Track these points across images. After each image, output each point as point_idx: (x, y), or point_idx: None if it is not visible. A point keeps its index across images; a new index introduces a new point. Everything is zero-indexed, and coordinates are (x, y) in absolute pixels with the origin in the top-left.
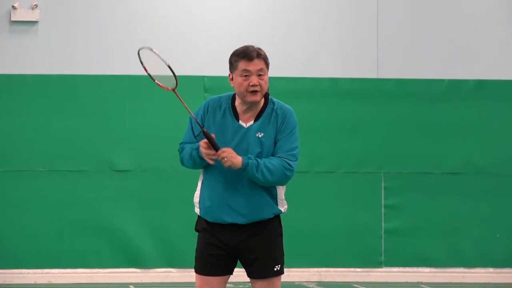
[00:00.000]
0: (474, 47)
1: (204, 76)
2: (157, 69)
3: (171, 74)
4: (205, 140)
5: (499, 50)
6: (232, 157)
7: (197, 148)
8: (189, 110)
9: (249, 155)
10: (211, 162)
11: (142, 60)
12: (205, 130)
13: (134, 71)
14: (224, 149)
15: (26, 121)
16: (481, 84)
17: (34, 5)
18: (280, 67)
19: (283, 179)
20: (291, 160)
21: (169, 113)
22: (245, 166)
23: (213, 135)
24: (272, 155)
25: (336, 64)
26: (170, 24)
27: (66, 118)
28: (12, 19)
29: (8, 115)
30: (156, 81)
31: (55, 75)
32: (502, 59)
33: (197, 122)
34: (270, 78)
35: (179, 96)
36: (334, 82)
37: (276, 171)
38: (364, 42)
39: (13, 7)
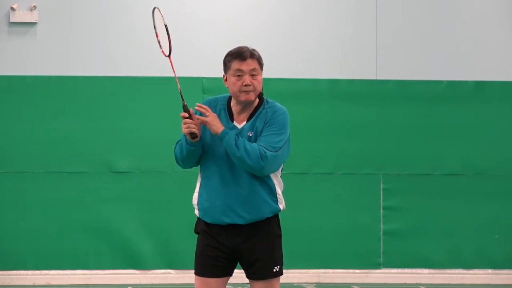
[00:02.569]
0: (473, 48)
1: (203, 78)
2: (162, 34)
3: (167, 37)
4: (186, 114)
5: (498, 51)
6: (213, 123)
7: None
8: (178, 82)
9: (235, 130)
10: (189, 130)
11: (155, 23)
12: (185, 103)
13: (134, 73)
14: (211, 115)
15: (25, 122)
16: (480, 85)
17: (33, 6)
18: (279, 68)
19: (257, 167)
20: (268, 150)
21: (168, 114)
22: (223, 135)
23: (191, 110)
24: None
25: (335, 66)
26: (169, 26)
27: (65, 120)
28: (11, 21)
29: (7, 116)
30: (161, 48)
31: (54, 76)
32: (501, 60)
33: (181, 96)
34: (270, 79)
35: (172, 64)
36: (333, 83)
37: (253, 154)
38: (363, 44)
39: (12, 8)
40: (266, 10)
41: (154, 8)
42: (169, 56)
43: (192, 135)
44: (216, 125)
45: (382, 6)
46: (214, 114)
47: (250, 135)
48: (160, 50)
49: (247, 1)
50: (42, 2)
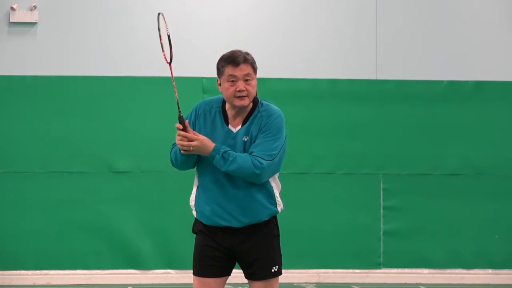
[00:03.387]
0: (473, 48)
1: (203, 78)
2: (165, 39)
3: (169, 45)
4: (180, 125)
5: (498, 51)
6: (199, 151)
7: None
8: (176, 92)
9: (222, 148)
10: (182, 149)
11: (159, 27)
12: (181, 115)
13: (134, 73)
14: (197, 140)
15: (25, 122)
16: (480, 85)
17: (33, 6)
18: (279, 68)
19: (253, 177)
20: (264, 159)
21: (168, 114)
22: (211, 158)
23: (186, 122)
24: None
25: (335, 65)
26: (169, 26)
27: (65, 120)
28: (11, 21)
29: (7, 116)
30: (163, 53)
31: (54, 76)
32: (501, 60)
33: (178, 106)
34: (270, 79)
35: (172, 72)
36: (333, 83)
37: (243, 167)
38: (363, 43)
39: (12, 8)
40: (266, 10)
41: (159, 13)
42: (170, 63)
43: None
44: (203, 151)
45: (382, 6)
46: (200, 138)
47: (245, 139)
48: (162, 54)
49: (247, 1)
50: (42, 2)
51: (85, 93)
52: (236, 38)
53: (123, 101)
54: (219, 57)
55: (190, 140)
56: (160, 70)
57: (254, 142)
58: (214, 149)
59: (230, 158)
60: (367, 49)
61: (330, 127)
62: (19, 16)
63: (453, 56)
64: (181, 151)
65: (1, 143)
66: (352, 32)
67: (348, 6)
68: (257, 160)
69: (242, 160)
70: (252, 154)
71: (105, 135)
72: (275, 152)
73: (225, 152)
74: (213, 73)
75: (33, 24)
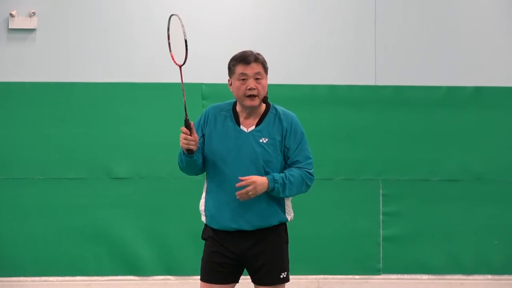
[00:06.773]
0: (472, 54)
1: (202, 84)
2: (175, 40)
3: (184, 49)
4: (185, 129)
5: (497, 57)
6: (259, 189)
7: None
8: (184, 95)
9: (274, 176)
10: (187, 147)
11: (170, 26)
12: (187, 118)
13: (132, 79)
14: (251, 182)
15: (24, 128)
16: (479, 91)
17: (32, 12)
18: (278, 74)
19: (306, 189)
20: (310, 169)
21: (167, 120)
22: (271, 190)
23: (192, 123)
24: (287, 163)
25: (334, 71)
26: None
27: (64, 126)
28: (9, 27)
29: (6, 122)
30: (171, 52)
31: (53, 82)
32: (500, 66)
33: (185, 109)
34: (269, 85)
35: (182, 75)
36: (332, 89)
37: (299, 185)
38: (362, 49)
39: (11, 14)
40: (266, 15)
41: (173, 15)
42: (181, 66)
43: (189, 150)
44: (261, 188)
45: (381, 12)
46: (251, 180)
47: (264, 141)
48: (170, 54)
49: (247, 7)
50: (41, 8)
51: (84, 99)
52: (236, 43)
53: (122, 107)
54: (218, 62)
55: (197, 139)
56: (159, 76)
57: (288, 149)
58: (270, 180)
59: (287, 182)
60: (366, 54)
61: (329, 132)
62: (18, 22)
63: (452, 61)
64: (241, 200)
65: (0, 149)
66: (351, 38)
67: (347, 12)
68: (306, 172)
69: (295, 179)
70: (299, 166)
71: (104, 141)
72: (311, 157)
73: (279, 179)
74: (213, 79)
75: (32, 30)
